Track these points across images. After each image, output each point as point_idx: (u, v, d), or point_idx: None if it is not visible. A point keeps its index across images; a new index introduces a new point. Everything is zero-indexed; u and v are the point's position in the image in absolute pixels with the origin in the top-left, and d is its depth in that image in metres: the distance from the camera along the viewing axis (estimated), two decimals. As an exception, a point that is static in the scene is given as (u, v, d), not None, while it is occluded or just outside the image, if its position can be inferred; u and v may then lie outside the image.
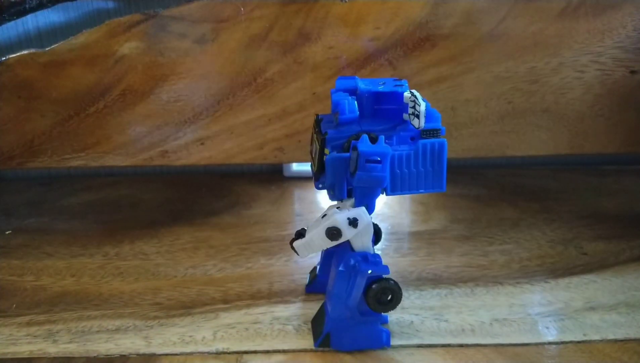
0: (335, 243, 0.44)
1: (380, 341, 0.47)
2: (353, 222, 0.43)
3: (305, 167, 0.79)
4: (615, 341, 0.48)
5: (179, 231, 0.67)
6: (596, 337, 0.49)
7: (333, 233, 0.43)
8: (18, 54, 0.58)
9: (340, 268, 0.45)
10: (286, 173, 0.80)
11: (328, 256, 0.50)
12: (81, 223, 0.70)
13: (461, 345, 0.48)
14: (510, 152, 0.61)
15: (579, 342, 0.48)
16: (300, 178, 0.80)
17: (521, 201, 0.72)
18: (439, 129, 0.42)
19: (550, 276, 0.57)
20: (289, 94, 0.59)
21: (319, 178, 0.44)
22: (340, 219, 0.43)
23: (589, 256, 0.61)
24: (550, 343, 0.48)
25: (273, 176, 0.81)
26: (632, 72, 0.58)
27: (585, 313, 0.52)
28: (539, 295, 0.54)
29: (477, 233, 0.65)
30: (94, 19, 0.61)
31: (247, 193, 0.76)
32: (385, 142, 0.41)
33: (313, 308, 0.52)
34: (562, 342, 0.48)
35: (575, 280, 0.57)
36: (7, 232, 0.69)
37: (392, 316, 0.51)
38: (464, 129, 0.59)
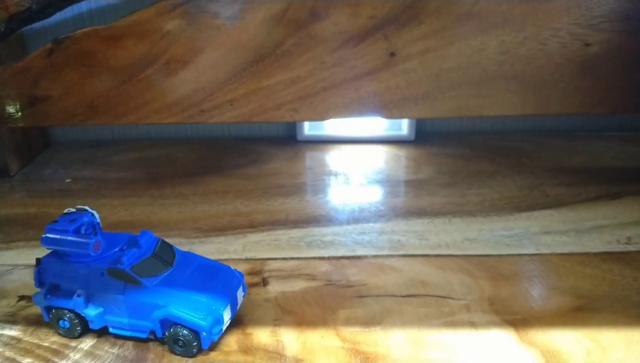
0: None
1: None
2: None
3: (315, 131, 0.92)
4: (562, 254, 0.61)
5: (211, 179, 0.81)
6: (546, 251, 0.61)
7: None
8: (83, 30, 0.71)
9: None
10: (299, 137, 0.93)
11: None
12: (129, 174, 0.83)
13: (437, 255, 0.61)
14: (486, 112, 0.73)
15: (532, 254, 0.61)
16: (312, 141, 0.92)
17: (499, 158, 0.84)
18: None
19: (515, 211, 0.70)
20: (302, 63, 0.72)
21: None
22: None
23: (550, 198, 0.73)
24: (508, 255, 0.61)
25: (288, 140, 0.94)
26: (587, 44, 0.70)
27: (540, 236, 0.64)
28: (504, 223, 0.67)
29: (458, 181, 0.78)
30: (145, 0, 0.74)
31: (266, 153, 0.89)
32: None
33: (322, 232, 0.65)
34: (518, 254, 0.61)
35: (535, 213, 0.69)
36: (67, 180, 0.82)
37: (384, 236, 0.65)
38: (447, 92, 0.72)
